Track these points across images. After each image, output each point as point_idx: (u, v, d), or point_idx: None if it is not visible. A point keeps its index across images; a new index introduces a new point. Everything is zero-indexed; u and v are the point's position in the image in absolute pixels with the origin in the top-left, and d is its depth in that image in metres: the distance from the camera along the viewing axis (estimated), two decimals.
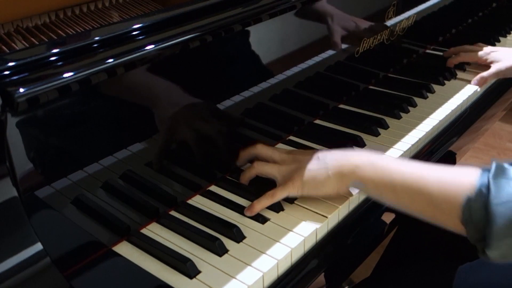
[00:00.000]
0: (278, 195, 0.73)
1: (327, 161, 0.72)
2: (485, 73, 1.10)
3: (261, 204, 0.73)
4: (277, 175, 0.75)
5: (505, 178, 0.57)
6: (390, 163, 0.68)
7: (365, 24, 1.01)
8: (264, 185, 0.78)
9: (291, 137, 0.93)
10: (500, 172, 0.58)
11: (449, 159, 1.00)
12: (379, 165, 0.68)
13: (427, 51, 1.27)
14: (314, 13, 0.89)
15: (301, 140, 0.91)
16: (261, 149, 0.80)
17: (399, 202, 0.67)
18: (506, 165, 0.59)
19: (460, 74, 1.16)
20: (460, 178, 0.61)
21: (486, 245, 0.58)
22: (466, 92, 1.08)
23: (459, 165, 0.64)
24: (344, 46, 0.98)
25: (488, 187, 0.57)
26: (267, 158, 0.78)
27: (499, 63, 1.11)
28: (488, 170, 0.59)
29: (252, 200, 0.75)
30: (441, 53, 1.24)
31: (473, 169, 0.61)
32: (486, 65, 1.13)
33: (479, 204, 0.57)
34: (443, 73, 1.13)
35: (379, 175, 0.67)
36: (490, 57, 1.13)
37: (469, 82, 1.11)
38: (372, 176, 0.68)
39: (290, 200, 0.76)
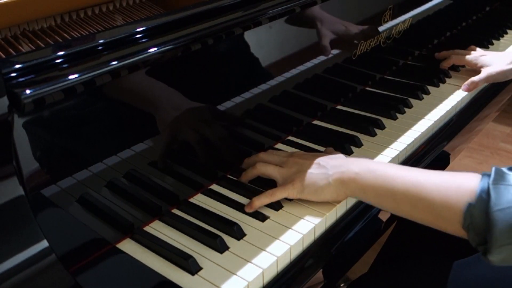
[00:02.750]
0: (277, 195, 0.74)
1: (328, 168, 0.72)
2: (475, 78, 1.09)
3: (260, 202, 0.74)
4: (278, 176, 0.76)
5: (505, 184, 0.56)
6: (390, 170, 0.67)
7: (362, 28, 1.02)
8: (265, 184, 0.79)
9: (290, 137, 0.94)
10: (499, 177, 0.57)
11: (443, 159, 1.01)
12: (379, 172, 0.67)
13: (423, 53, 1.29)
14: (312, 17, 0.91)
15: (300, 140, 0.93)
16: (262, 155, 0.81)
17: (400, 209, 0.66)
18: (505, 170, 0.58)
19: (454, 76, 1.17)
20: (460, 184, 0.60)
21: (487, 249, 0.57)
22: (461, 93, 1.10)
23: (458, 171, 0.63)
24: (341, 48, 1.00)
25: (488, 193, 0.56)
26: (269, 162, 0.79)
27: (489, 68, 1.10)
28: (488, 176, 0.58)
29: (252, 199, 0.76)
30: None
31: (473, 175, 0.60)
32: (476, 70, 1.13)
33: (479, 210, 0.57)
34: (438, 75, 1.15)
35: (379, 182, 0.66)
36: (480, 62, 1.12)
37: (463, 84, 1.12)
38: (372, 183, 0.67)
39: (290, 198, 0.77)
